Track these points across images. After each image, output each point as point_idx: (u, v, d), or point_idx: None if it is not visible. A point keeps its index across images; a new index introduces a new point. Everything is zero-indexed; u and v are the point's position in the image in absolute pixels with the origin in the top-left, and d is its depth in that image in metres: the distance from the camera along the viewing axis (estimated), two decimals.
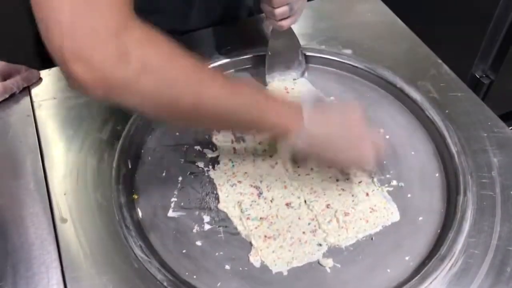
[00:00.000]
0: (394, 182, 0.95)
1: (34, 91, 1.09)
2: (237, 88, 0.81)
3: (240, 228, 0.88)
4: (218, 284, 0.82)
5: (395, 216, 0.90)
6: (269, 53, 1.09)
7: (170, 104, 0.71)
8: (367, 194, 0.92)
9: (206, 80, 0.74)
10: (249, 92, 0.82)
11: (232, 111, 0.78)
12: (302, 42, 1.11)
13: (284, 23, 1.02)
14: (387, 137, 1.02)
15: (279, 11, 0.98)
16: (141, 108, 0.72)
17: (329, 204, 0.91)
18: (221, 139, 1.01)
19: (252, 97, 0.82)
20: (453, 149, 0.96)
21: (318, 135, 0.85)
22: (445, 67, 1.13)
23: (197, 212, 0.91)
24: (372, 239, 0.87)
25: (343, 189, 0.93)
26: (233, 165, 0.97)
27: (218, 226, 0.89)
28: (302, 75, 1.13)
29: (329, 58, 1.16)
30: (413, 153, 0.99)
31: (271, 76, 1.12)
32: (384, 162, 0.97)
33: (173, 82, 0.69)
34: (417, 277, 0.80)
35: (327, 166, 0.95)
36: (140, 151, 1.00)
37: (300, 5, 1.02)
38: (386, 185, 0.94)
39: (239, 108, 0.79)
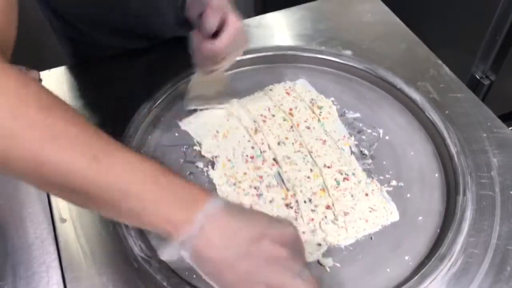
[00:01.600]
0: (394, 182, 0.95)
1: None
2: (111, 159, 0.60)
3: None
4: None
5: (395, 216, 0.90)
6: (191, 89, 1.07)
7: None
8: (367, 194, 0.92)
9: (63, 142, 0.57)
10: (128, 169, 0.61)
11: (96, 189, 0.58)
12: (302, 42, 1.12)
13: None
14: (387, 137, 1.02)
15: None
16: None
17: (328, 204, 0.91)
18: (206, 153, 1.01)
19: (131, 177, 0.60)
20: (453, 149, 0.96)
21: (208, 258, 0.61)
22: (445, 67, 1.13)
23: None
24: (371, 238, 0.87)
25: (342, 189, 0.93)
26: (232, 166, 0.97)
27: None
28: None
29: (328, 59, 1.16)
30: (412, 153, 0.99)
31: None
32: (384, 162, 0.97)
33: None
34: (416, 277, 0.80)
35: None
36: (140, 151, 1.00)
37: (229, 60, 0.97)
38: (386, 185, 0.94)
39: (106, 187, 0.59)
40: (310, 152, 0.99)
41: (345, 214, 0.89)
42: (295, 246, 0.65)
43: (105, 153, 0.60)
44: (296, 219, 0.89)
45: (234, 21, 0.90)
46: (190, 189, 0.62)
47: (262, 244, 0.61)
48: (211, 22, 0.89)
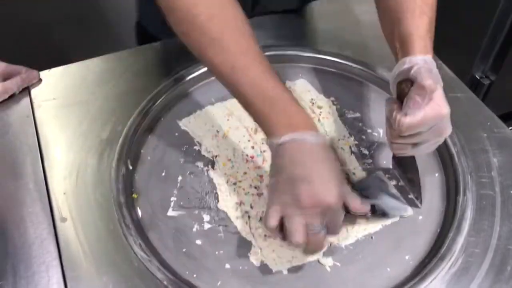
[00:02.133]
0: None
1: (34, 91, 1.09)
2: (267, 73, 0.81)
3: (240, 227, 0.88)
4: (218, 283, 0.82)
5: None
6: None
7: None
8: None
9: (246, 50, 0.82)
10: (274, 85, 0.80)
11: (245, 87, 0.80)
12: (301, 42, 1.11)
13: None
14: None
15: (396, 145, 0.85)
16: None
17: None
18: (206, 153, 1.01)
19: (275, 90, 0.80)
20: (453, 149, 0.96)
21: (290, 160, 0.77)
22: (445, 67, 1.13)
23: (196, 211, 0.91)
24: (372, 238, 0.87)
25: None
26: (232, 165, 0.97)
27: (218, 225, 0.89)
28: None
29: (328, 59, 1.16)
30: None
31: None
32: (384, 162, 0.97)
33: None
34: (417, 276, 0.81)
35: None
36: (140, 151, 1.00)
37: (430, 146, 0.84)
38: None
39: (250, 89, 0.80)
40: None
41: (346, 213, 0.89)
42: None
43: (241, 68, 0.81)
44: None
45: (441, 105, 0.79)
46: (296, 115, 0.80)
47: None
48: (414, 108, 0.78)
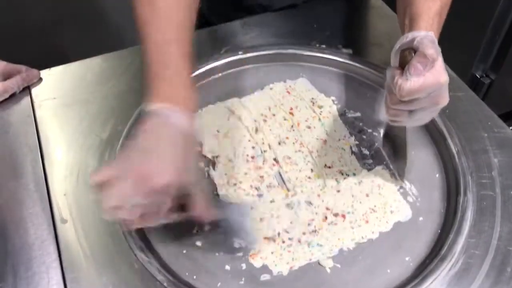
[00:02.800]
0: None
1: (34, 91, 1.09)
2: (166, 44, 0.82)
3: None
4: (218, 285, 0.82)
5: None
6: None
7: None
8: (367, 195, 0.92)
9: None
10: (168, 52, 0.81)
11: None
12: (302, 41, 1.11)
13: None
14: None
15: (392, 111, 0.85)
16: None
17: (329, 205, 0.91)
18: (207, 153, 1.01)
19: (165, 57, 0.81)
20: (453, 149, 0.96)
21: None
22: (446, 67, 1.13)
23: None
24: (372, 239, 0.87)
25: (342, 190, 0.93)
26: (233, 165, 0.97)
27: (218, 227, 0.89)
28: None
29: (329, 58, 1.16)
30: (413, 153, 0.99)
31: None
32: (384, 162, 0.97)
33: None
34: (417, 278, 0.81)
35: None
36: None
37: (425, 116, 0.85)
38: None
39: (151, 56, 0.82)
40: (310, 152, 0.99)
41: (345, 214, 0.89)
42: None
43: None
44: (296, 220, 0.89)
45: (441, 73, 0.79)
46: (177, 89, 0.79)
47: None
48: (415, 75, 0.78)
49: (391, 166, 0.97)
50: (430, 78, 0.78)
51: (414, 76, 0.77)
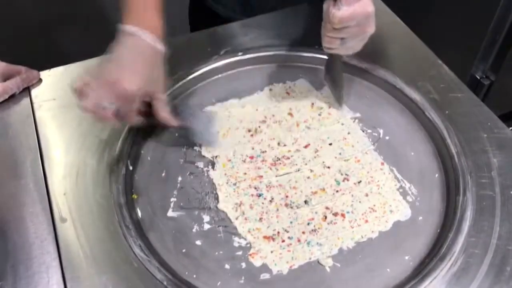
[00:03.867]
0: (394, 182, 0.95)
1: (34, 91, 1.09)
2: None
3: (239, 228, 0.88)
4: (218, 284, 0.82)
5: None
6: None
7: None
8: (367, 195, 0.92)
9: None
10: None
11: None
12: (302, 42, 1.11)
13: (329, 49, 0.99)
14: (387, 137, 1.02)
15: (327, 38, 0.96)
16: None
17: (328, 204, 0.91)
18: (206, 153, 1.01)
19: None
20: (453, 150, 0.96)
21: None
22: (445, 67, 1.13)
23: (196, 212, 0.91)
24: (371, 238, 0.87)
25: (342, 190, 0.93)
26: (232, 166, 0.97)
27: (218, 226, 0.89)
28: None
29: None
30: (413, 153, 0.99)
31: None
32: (384, 162, 0.97)
33: None
34: (417, 277, 0.81)
35: None
36: (140, 151, 1.00)
37: (356, 44, 0.97)
38: None
39: None
40: (310, 152, 0.99)
41: (345, 214, 0.89)
42: None
43: None
44: (296, 219, 0.89)
45: (368, 4, 0.91)
46: (150, 17, 0.91)
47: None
48: None
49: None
50: (358, 8, 0.89)
51: (345, 6, 0.88)
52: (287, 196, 0.92)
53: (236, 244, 0.86)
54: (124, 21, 0.90)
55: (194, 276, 0.83)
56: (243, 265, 0.84)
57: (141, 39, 0.88)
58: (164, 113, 0.96)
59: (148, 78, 0.89)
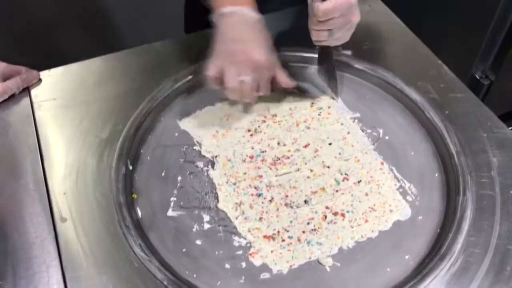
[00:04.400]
0: (394, 182, 0.95)
1: (34, 91, 1.09)
2: None
3: (239, 227, 0.88)
4: (218, 283, 0.82)
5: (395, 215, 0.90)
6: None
7: None
8: (366, 194, 0.92)
9: None
10: None
11: None
12: (302, 42, 1.11)
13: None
14: (387, 137, 1.02)
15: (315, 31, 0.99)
16: None
17: (328, 204, 0.91)
18: (206, 153, 1.01)
19: None
20: (453, 149, 0.96)
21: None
22: (445, 67, 1.13)
23: (196, 212, 0.91)
24: (371, 238, 0.87)
25: (342, 189, 0.93)
26: (232, 165, 0.97)
27: (218, 225, 0.89)
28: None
29: None
30: (413, 153, 0.99)
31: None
32: (384, 162, 0.97)
33: None
34: (417, 276, 0.81)
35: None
36: (140, 151, 1.00)
37: (343, 34, 0.99)
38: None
39: None
40: (309, 152, 0.99)
41: (345, 213, 0.89)
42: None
43: None
44: (296, 219, 0.89)
45: None
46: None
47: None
48: None
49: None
50: (340, 0, 0.91)
51: None
52: (287, 196, 0.92)
53: (236, 244, 0.86)
54: (219, 5, 0.95)
55: (194, 275, 0.83)
56: (243, 264, 0.84)
57: (243, 14, 0.94)
58: (283, 77, 1.03)
59: (269, 48, 0.97)
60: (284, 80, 1.03)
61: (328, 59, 1.07)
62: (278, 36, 1.17)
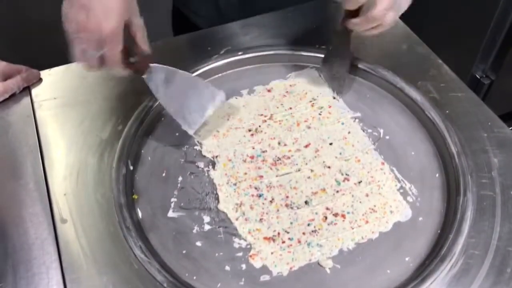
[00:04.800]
0: (394, 182, 0.95)
1: (35, 91, 1.09)
2: None
3: (240, 228, 0.88)
4: (218, 285, 0.82)
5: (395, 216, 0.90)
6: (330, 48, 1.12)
7: None
8: (367, 195, 0.92)
9: None
10: None
11: None
12: (302, 42, 1.11)
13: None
14: (387, 137, 1.02)
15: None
16: None
17: (328, 205, 0.91)
18: (207, 153, 1.01)
19: None
20: (453, 149, 0.96)
21: None
22: (445, 67, 1.13)
23: (197, 213, 0.91)
24: (372, 239, 0.87)
25: (342, 190, 0.93)
26: (233, 165, 0.97)
27: (218, 227, 0.89)
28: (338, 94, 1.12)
29: None
30: (413, 153, 0.99)
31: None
32: (384, 162, 0.97)
33: None
34: (417, 278, 0.80)
35: None
36: (140, 151, 1.00)
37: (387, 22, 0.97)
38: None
39: None
40: (310, 152, 0.99)
41: (345, 215, 0.89)
42: None
43: None
44: (296, 220, 0.89)
45: None
46: None
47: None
48: None
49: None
50: None
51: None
52: (287, 197, 0.92)
53: (236, 245, 0.86)
54: None
55: (194, 277, 0.83)
56: (243, 266, 0.84)
57: None
58: (142, 43, 0.91)
59: (123, 8, 0.83)
60: (143, 46, 0.91)
61: (347, 43, 1.08)
62: (277, 35, 1.18)
